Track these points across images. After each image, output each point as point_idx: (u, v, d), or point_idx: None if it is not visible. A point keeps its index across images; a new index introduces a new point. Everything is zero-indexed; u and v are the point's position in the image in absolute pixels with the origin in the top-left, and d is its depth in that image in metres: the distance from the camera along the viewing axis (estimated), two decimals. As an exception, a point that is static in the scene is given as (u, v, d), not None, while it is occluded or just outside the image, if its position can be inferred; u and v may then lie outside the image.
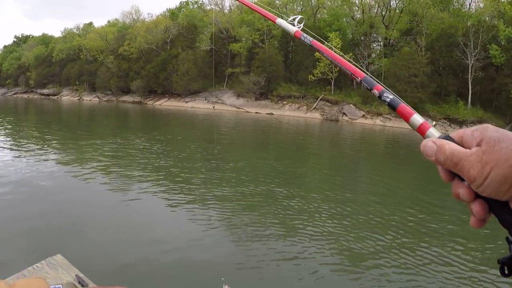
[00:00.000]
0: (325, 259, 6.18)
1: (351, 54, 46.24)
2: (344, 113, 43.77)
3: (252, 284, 5.42)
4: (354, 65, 1.14)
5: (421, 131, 0.83)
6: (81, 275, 2.95)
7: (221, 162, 13.71)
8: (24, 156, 14.20)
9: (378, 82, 1.00)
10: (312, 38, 1.32)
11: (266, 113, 46.32)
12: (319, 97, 47.17)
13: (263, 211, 8.18)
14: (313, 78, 47.12)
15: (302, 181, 11.08)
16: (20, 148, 16.68)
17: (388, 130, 35.01)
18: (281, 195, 9.23)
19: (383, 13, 50.19)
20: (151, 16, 71.46)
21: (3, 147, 16.98)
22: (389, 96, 0.95)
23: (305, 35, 1.36)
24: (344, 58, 1.14)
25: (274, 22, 1.61)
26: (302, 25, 1.45)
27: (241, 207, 8.48)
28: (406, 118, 0.87)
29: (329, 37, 46.90)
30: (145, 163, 13.52)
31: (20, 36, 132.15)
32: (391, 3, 49.89)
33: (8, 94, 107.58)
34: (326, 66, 46.56)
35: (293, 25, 1.49)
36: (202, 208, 8.33)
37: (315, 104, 46.57)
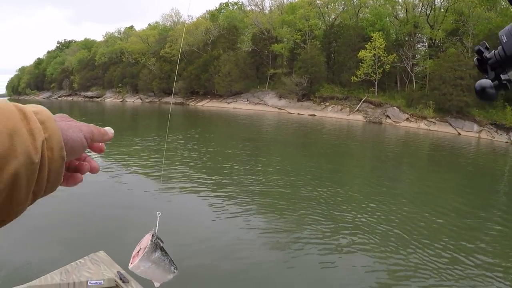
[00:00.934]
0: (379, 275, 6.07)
1: (395, 54, 45.38)
2: (387, 116, 43.01)
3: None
4: None
5: None
6: (122, 271, 3.04)
7: (262, 163, 13.68)
8: None
9: None
10: None
11: (309, 115, 46.16)
12: (362, 99, 46.52)
13: (305, 215, 8.13)
14: (356, 79, 46.48)
15: (344, 186, 10.91)
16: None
17: (432, 134, 34.20)
18: (322, 200, 9.16)
19: (428, 12, 48.83)
20: (191, 18, 72.41)
21: None
22: None
23: None
24: None
25: None
26: None
27: (284, 210, 8.44)
28: None
29: (372, 37, 46.31)
30: (187, 163, 13.64)
31: (62, 41, 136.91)
32: (436, 2, 48.45)
33: (53, 97, 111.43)
34: (370, 67, 45.95)
35: None
36: (243, 208, 8.39)
37: (358, 106, 46.00)
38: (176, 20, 75.60)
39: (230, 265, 5.93)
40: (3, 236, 7.16)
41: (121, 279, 2.89)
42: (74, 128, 0.71)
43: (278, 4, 62.86)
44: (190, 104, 60.20)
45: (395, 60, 45.52)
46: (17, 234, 7.25)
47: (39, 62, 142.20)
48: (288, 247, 6.56)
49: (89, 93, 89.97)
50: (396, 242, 7.35)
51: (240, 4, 71.51)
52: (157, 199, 9.38)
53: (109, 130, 0.83)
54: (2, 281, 5.15)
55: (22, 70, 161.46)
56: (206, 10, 73.52)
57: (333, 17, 57.79)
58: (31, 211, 4.05)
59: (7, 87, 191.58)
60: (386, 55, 45.25)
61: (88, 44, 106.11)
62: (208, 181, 10.92)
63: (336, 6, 57.96)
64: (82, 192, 9.53)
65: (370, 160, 15.44)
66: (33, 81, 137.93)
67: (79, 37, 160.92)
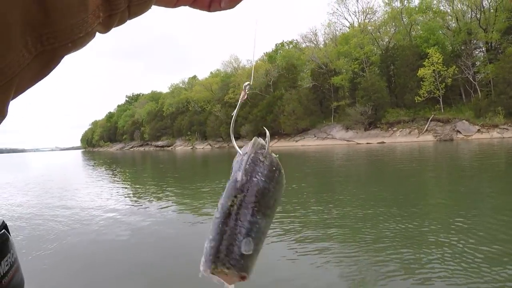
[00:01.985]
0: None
1: (454, 67, 45.35)
2: (457, 131, 42.55)
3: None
4: None
5: None
6: None
7: (333, 197, 13.95)
8: (144, 203, 16.21)
9: None
10: None
11: (377, 143, 46.36)
12: (429, 118, 46.43)
13: (384, 250, 7.69)
14: (420, 99, 46.70)
15: (423, 216, 10.07)
16: (139, 196, 19.25)
17: (507, 142, 32.69)
18: (398, 231, 8.88)
19: (478, 16, 48.37)
20: (250, 62, 75.39)
21: (125, 196, 19.82)
22: None
23: None
24: None
25: None
26: None
27: (360, 243, 8.19)
28: None
29: (428, 53, 46.62)
30: None
31: (131, 95, 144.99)
32: (483, 4, 47.79)
33: (125, 148, 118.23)
34: (431, 84, 46.08)
35: None
36: (316, 243, 8.30)
37: (426, 126, 45.84)
38: (236, 65, 79.40)
39: None
40: (79, 283, 7.36)
41: None
42: None
43: (331, 37, 64.46)
44: (259, 145, 62.06)
45: (456, 72, 45.45)
46: (90, 282, 7.36)
47: (110, 115, 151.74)
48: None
49: (159, 143, 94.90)
50: None
51: (295, 43, 73.97)
52: None
53: None
54: None
55: (95, 123, 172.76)
56: (264, 53, 76.65)
57: (387, 40, 58.49)
58: (103, 257, 8.48)
59: (82, 140, 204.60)
60: (446, 68, 45.33)
61: (155, 96, 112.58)
62: (280, 218, 11.16)
63: (388, 29, 59.01)
64: (156, 241, 9.71)
65: (448, 185, 15.43)
66: (106, 134, 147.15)
67: (146, 89, 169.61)
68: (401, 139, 45.75)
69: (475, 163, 21.38)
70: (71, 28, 0.38)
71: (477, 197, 11.92)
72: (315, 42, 66.92)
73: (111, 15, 0.41)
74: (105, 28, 0.41)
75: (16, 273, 2.64)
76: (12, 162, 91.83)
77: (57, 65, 0.40)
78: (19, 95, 0.38)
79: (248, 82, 0.65)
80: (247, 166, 0.61)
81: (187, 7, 0.52)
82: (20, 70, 0.36)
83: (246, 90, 0.64)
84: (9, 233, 2.72)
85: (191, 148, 79.35)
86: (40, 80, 0.40)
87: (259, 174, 0.59)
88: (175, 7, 0.49)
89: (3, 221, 2.66)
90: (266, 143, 0.65)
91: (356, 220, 10.98)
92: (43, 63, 0.38)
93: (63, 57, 0.38)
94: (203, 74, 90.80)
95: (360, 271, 6.88)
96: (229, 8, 0.55)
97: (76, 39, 0.39)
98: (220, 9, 0.55)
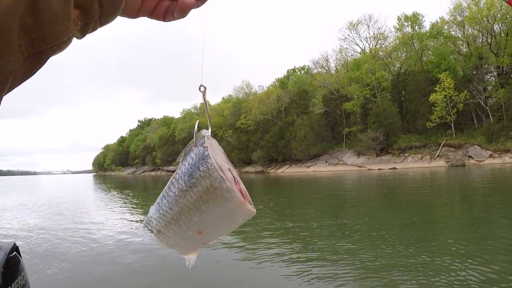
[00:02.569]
0: None
1: (465, 91, 45.55)
2: (469, 156, 42.42)
3: None
4: None
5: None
6: None
7: (346, 224, 14.06)
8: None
9: None
10: None
11: (389, 168, 46.25)
12: (441, 144, 46.47)
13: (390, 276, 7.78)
14: (432, 124, 46.79)
15: (431, 242, 10.19)
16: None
17: None
18: (405, 256, 9.03)
19: (489, 40, 48.68)
20: (262, 88, 76.47)
21: (136, 219, 20.08)
22: None
23: None
24: None
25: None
26: None
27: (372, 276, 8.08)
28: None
29: (439, 78, 46.88)
30: (270, 227, 14.58)
31: (143, 119, 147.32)
32: (494, 28, 47.99)
33: (137, 173, 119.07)
34: (443, 109, 46.24)
35: None
36: (332, 277, 8.14)
37: (438, 152, 45.82)
38: (247, 91, 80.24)
39: None
40: None
41: None
42: None
43: (342, 63, 65.25)
44: (270, 171, 62.60)
45: (467, 97, 45.62)
46: None
47: (122, 140, 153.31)
48: None
49: (171, 168, 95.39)
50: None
51: (307, 68, 74.70)
52: (238, 266, 9.62)
53: None
54: None
55: (107, 147, 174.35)
56: (276, 79, 77.55)
57: (398, 65, 59.00)
58: (114, 281, 8.68)
59: (93, 164, 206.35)
60: (457, 93, 45.52)
61: (167, 121, 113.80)
62: (292, 247, 11.21)
63: (399, 54, 59.45)
64: (161, 263, 10.06)
65: (460, 209, 15.50)
66: (118, 158, 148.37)
67: (158, 115, 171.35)
68: (413, 165, 45.68)
69: (487, 190, 21.15)
70: (57, 34, 0.45)
71: (487, 223, 11.96)
72: (326, 68, 67.79)
73: (86, 23, 0.47)
74: (81, 34, 0.49)
75: None
76: (24, 184, 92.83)
77: (43, 65, 0.47)
78: (11, 90, 0.45)
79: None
80: (185, 151, 0.73)
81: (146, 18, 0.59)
82: (15, 69, 0.43)
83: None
84: (20, 255, 2.99)
85: (203, 174, 79.46)
86: (28, 78, 0.47)
87: (187, 159, 0.71)
88: (136, 18, 0.58)
89: (15, 243, 2.93)
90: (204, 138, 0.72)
91: (364, 245, 10.94)
92: (32, 63, 0.45)
93: (49, 58, 0.46)
94: (215, 100, 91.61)
95: None
96: (182, 18, 0.61)
97: (60, 43, 0.45)
98: (174, 19, 0.61)
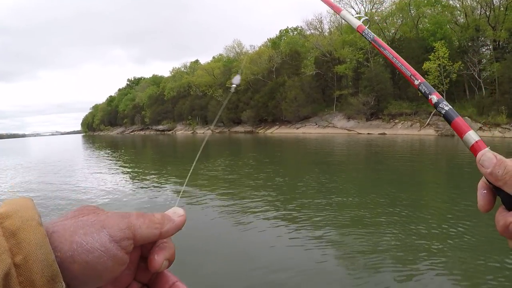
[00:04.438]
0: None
1: (460, 62, 44.67)
2: None
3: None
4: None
5: (475, 150, 0.81)
6: None
7: (336, 190, 13.80)
8: (142, 187, 16.05)
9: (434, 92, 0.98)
10: (374, 35, 1.25)
11: (379, 134, 46.10)
12: (431, 112, 45.80)
13: (381, 240, 7.90)
14: None
15: (422, 209, 10.13)
16: (138, 181, 18.89)
17: (508, 142, 32.57)
18: (397, 224, 8.96)
19: (488, 13, 47.45)
20: (254, 48, 74.88)
21: (124, 179, 19.40)
22: (445, 106, 0.93)
23: (367, 30, 1.30)
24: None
25: (338, 14, 1.51)
26: (367, 26, 1.32)
27: (356, 234, 8.35)
28: (460, 133, 0.86)
29: (434, 47, 46.00)
30: (259, 190, 14.17)
31: (132, 79, 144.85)
32: (494, 2, 46.71)
33: (126, 132, 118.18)
34: (436, 78, 45.47)
35: (358, 19, 1.39)
36: (315, 236, 8.29)
37: (428, 120, 45.33)
38: (239, 50, 78.57)
39: None
40: None
41: None
42: (90, 227, 0.43)
43: (336, 25, 63.77)
44: (260, 132, 62.23)
45: (461, 68, 44.83)
46: None
47: (111, 99, 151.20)
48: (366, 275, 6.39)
49: (160, 127, 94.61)
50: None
51: (300, 29, 73.16)
52: (227, 227, 9.52)
53: (175, 214, 0.52)
54: None
55: (96, 107, 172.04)
56: (267, 39, 75.86)
57: (393, 31, 57.91)
58: None
59: (82, 124, 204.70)
60: (451, 63, 44.66)
61: (156, 80, 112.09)
62: (283, 212, 10.98)
63: (395, 20, 58.34)
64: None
65: (448, 181, 15.12)
66: (107, 118, 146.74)
67: (147, 74, 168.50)
68: (402, 131, 45.46)
69: (472, 161, 20.80)
70: None
71: (471, 193, 10.94)
72: (320, 30, 66.18)
73: None
74: None
75: None
76: (14, 146, 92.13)
77: None
78: None
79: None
80: None
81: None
82: None
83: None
84: None
85: (192, 133, 79.30)
86: None
87: None
88: None
89: None
90: None
91: (351, 205, 10.84)
92: None
93: None
94: (205, 59, 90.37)
95: (354, 255, 7.05)
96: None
97: None
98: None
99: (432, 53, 45.98)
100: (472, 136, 0.85)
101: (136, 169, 24.63)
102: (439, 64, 45.32)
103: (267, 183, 15.62)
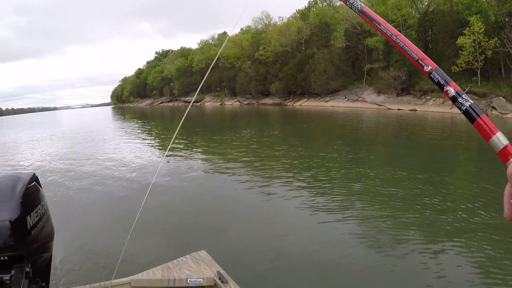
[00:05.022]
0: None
1: (496, 39, 42.54)
2: (493, 107, 40.06)
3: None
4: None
5: (504, 157, 0.70)
6: (222, 271, 3.09)
7: (362, 163, 13.51)
8: (172, 158, 16.22)
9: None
10: (363, 5, 1.08)
11: (409, 110, 44.95)
12: (465, 90, 43.73)
13: (404, 218, 7.88)
14: (457, 68, 44.10)
15: (450, 192, 9.93)
16: (167, 150, 19.08)
17: None
18: (425, 202, 8.82)
19: None
20: (282, 19, 73.73)
21: (153, 149, 19.54)
22: (466, 101, 0.80)
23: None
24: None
25: None
26: None
27: (380, 211, 8.28)
28: (486, 135, 0.74)
29: (469, 21, 43.93)
30: (284, 160, 14.12)
31: (160, 51, 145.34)
32: None
33: (155, 104, 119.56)
34: (471, 54, 43.70)
35: None
36: (340, 208, 8.38)
37: None
38: (267, 22, 77.41)
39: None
40: (108, 231, 7.89)
41: (220, 279, 2.95)
42: None
43: (368, -3, 61.79)
44: (288, 104, 61.78)
45: (497, 44, 42.66)
46: (121, 231, 7.60)
47: (140, 72, 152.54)
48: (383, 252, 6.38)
49: (188, 98, 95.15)
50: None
51: (329, 0, 71.28)
52: (254, 198, 9.70)
53: None
54: (106, 274, 5.38)
55: (125, 80, 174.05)
56: (296, 10, 74.26)
57: (426, 3, 55.80)
58: (132, 207, 8.59)
59: (112, 97, 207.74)
60: (487, 39, 42.58)
61: (184, 52, 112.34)
62: (307, 183, 10.87)
63: (430, -9, 56.10)
64: (182, 194, 10.22)
65: (478, 163, 14.68)
66: (136, 90, 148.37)
67: (175, 47, 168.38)
68: (433, 108, 43.91)
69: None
70: None
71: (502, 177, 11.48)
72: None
73: None
74: None
75: (46, 223, 2.45)
76: (46, 119, 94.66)
77: None
78: None
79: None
80: None
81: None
82: None
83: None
84: (40, 185, 2.45)
85: (220, 104, 79.75)
86: None
87: None
88: None
89: (34, 174, 2.44)
90: None
91: (378, 181, 11.02)
92: None
93: None
94: (233, 31, 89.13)
95: (379, 231, 7.18)
96: None
97: None
98: None
99: (467, 28, 43.69)
100: (501, 139, 0.73)
101: (164, 139, 24.91)
102: (474, 40, 43.28)
103: (291, 154, 15.68)
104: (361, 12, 1.08)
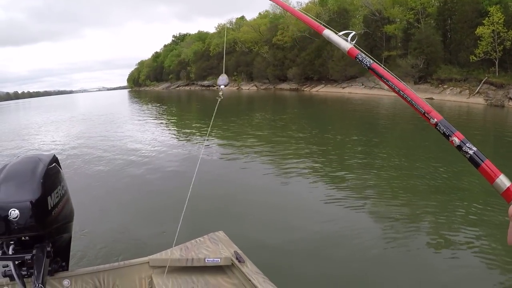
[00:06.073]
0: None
1: None
2: (510, 98, 39.53)
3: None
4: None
5: (508, 196, 0.71)
6: (239, 251, 3.11)
7: (379, 152, 13.41)
8: (189, 141, 16.41)
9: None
10: (372, 61, 1.15)
11: (426, 98, 43.74)
12: (482, 80, 43.53)
13: (418, 209, 7.86)
14: (475, 58, 43.81)
15: (458, 175, 10.11)
16: (183, 135, 19.35)
17: None
18: (437, 194, 8.82)
19: None
20: (301, 4, 73.01)
21: (172, 134, 19.82)
22: (470, 150, 0.84)
23: (362, 55, 1.20)
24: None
25: (320, 33, 1.49)
26: (354, 42, 1.22)
27: (397, 201, 8.26)
28: (490, 178, 0.76)
29: (489, 11, 43.32)
30: (305, 148, 14.20)
31: (177, 35, 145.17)
32: None
33: (171, 88, 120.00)
34: (489, 44, 43.22)
35: (346, 40, 1.29)
36: (356, 197, 8.41)
37: (478, 88, 43.13)
38: (286, 7, 76.58)
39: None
40: (127, 213, 8.06)
41: (237, 258, 2.98)
42: None
43: (388, -16, 61.10)
44: (305, 90, 61.63)
45: None
46: (141, 211, 8.02)
47: (157, 55, 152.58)
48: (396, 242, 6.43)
49: (205, 82, 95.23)
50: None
51: (349, -13, 70.13)
52: (271, 182, 9.86)
53: None
54: (125, 253, 5.55)
55: (141, 63, 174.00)
56: (315, -5, 73.43)
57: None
58: (151, 189, 9.89)
59: (128, 80, 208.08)
60: (506, 30, 41.99)
61: (202, 36, 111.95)
62: (324, 169, 11.12)
63: (448, -21, 55.27)
64: (202, 177, 9.93)
65: (492, 151, 14.52)
66: (152, 73, 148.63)
67: (192, 31, 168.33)
68: (450, 98, 43.71)
69: None
70: None
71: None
72: (370, -12, 63.50)
73: None
74: None
75: (66, 204, 2.57)
76: (62, 102, 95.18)
77: None
78: None
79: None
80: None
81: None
82: None
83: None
84: (60, 166, 2.59)
85: (237, 89, 79.81)
86: None
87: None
88: None
89: (54, 155, 2.57)
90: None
91: (392, 168, 11.26)
92: None
93: None
94: (251, 15, 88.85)
95: (394, 219, 7.23)
96: None
97: None
98: None
99: (487, 18, 43.15)
100: (504, 181, 0.79)
101: (182, 124, 25.22)
102: (493, 30, 42.74)
103: (308, 139, 15.87)
104: (371, 69, 1.20)
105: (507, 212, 0.67)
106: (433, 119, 0.95)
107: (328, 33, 1.46)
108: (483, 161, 0.81)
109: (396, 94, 1.02)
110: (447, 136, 0.90)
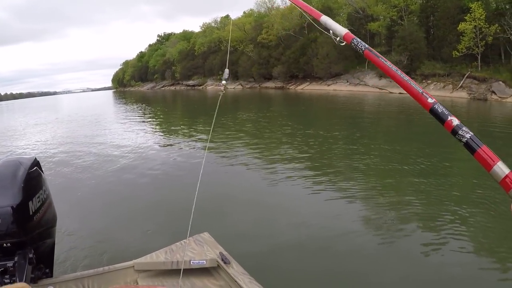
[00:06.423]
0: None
1: (496, 25, 42.39)
2: (492, 91, 40.17)
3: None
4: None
5: (507, 185, 0.67)
6: (224, 252, 3.11)
7: (362, 147, 13.34)
8: (174, 142, 16.28)
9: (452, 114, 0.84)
10: (367, 46, 1.14)
11: None
12: (465, 75, 44.04)
13: (409, 205, 7.77)
14: (458, 54, 44.27)
15: (450, 173, 10.04)
16: (169, 135, 19.20)
17: None
18: (426, 186, 8.85)
19: None
20: (285, 3, 73.17)
21: (155, 134, 19.66)
22: (466, 134, 0.81)
23: (358, 39, 1.22)
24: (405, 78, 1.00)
25: (318, 20, 1.53)
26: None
27: (386, 199, 8.15)
28: (487, 166, 0.71)
29: (470, 8, 43.83)
30: (289, 145, 13.97)
31: (162, 34, 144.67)
32: None
33: (157, 88, 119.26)
34: (471, 40, 43.73)
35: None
36: (345, 194, 8.33)
37: (461, 82, 43.68)
38: (270, 5, 77.21)
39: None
40: (111, 216, 7.89)
41: (223, 260, 2.98)
42: None
43: (371, -19, 61.52)
44: (290, 88, 61.68)
45: (498, 31, 42.58)
46: (124, 215, 7.84)
47: (141, 55, 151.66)
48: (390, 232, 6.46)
49: (190, 82, 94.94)
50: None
51: (332, -15, 70.42)
52: (258, 182, 9.73)
53: None
54: (109, 258, 5.46)
55: (126, 63, 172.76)
56: (299, -6, 73.55)
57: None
58: (135, 192, 9.44)
59: (113, 81, 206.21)
60: (488, 26, 42.45)
61: (186, 36, 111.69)
62: (309, 166, 11.08)
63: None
64: (186, 177, 10.11)
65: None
66: (137, 73, 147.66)
67: (177, 30, 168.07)
68: (434, 93, 43.80)
69: (505, 129, 19.77)
70: None
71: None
72: (353, -14, 63.86)
73: None
74: None
75: (48, 209, 2.50)
76: (46, 104, 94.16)
77: None
78: None
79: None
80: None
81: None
82: None
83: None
84: (41, 170, 2.53)
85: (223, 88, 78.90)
86: None
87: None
88: None
89: (35, 158, 2.49)
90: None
91: (379, 161, 11.18)
92: None
93: None
94: (235, 14, 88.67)
95: (380, 212, 7.26)
96: None
97: None
98: None
99: (468, 14, 43.61)
100: (502, 168, 0.74)
101: (166, 124, 25.02)
102: (475, 26, 43.26)
103: (293, 137, 15.82)
104: (367, 49, 1.23)
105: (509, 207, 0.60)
106: (431, 99, 0.93)
107: (325, 19, 1.51)
108: (479, 147, 0.78)
109: (391, 78, 1.02)
110: (444, 118, 0.86)
